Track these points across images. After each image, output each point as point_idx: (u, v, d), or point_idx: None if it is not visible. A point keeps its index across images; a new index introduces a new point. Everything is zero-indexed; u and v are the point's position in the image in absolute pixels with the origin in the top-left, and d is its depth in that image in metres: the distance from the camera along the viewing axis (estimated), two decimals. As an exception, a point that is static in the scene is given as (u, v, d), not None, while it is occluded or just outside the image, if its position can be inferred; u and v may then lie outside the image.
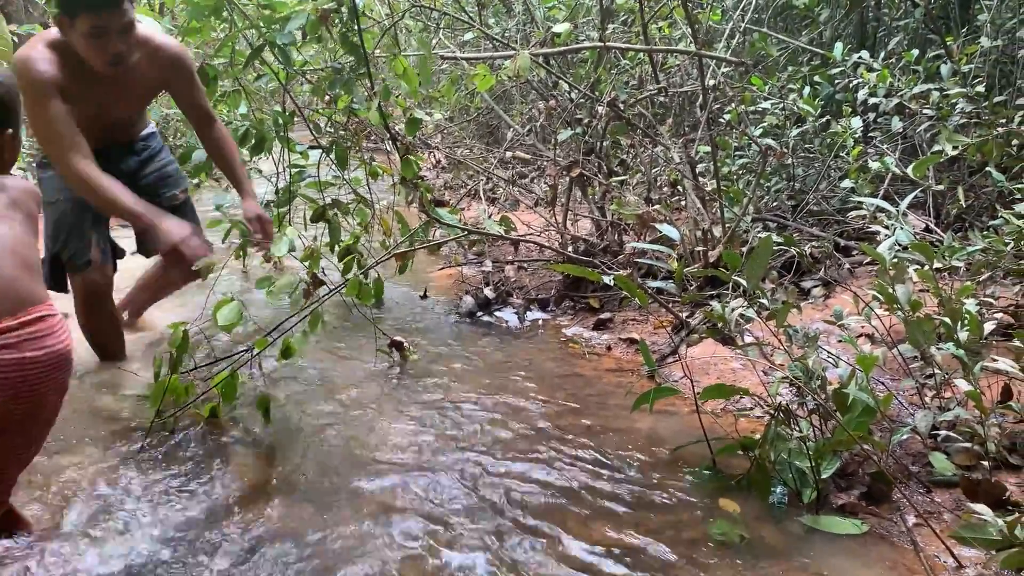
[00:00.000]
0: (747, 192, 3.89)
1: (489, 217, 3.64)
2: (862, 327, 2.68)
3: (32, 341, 1.61)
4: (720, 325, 2.50)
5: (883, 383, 2.64)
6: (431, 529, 2.05)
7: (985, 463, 2.20)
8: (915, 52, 3.92)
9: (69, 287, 3.03)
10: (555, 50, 3.92)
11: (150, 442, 2.51)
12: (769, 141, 4.01)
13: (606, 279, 2.54)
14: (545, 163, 4.90)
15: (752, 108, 4.37)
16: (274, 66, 3.50)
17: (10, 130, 1.87)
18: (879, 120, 4.09)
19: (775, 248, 3.76)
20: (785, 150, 3.99)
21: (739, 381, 2.93)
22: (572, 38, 4.28)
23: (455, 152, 6.49)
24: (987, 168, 3.42)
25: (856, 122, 3.94)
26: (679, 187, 4.12)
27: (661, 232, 2.77)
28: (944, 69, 3.71)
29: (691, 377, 2.72)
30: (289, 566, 1.89)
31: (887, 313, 2.57)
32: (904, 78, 3.87)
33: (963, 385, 2.23)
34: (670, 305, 3.55)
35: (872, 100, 3.87)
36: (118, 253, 3.22)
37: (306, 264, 2.85)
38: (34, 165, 3.12)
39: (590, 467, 2.41)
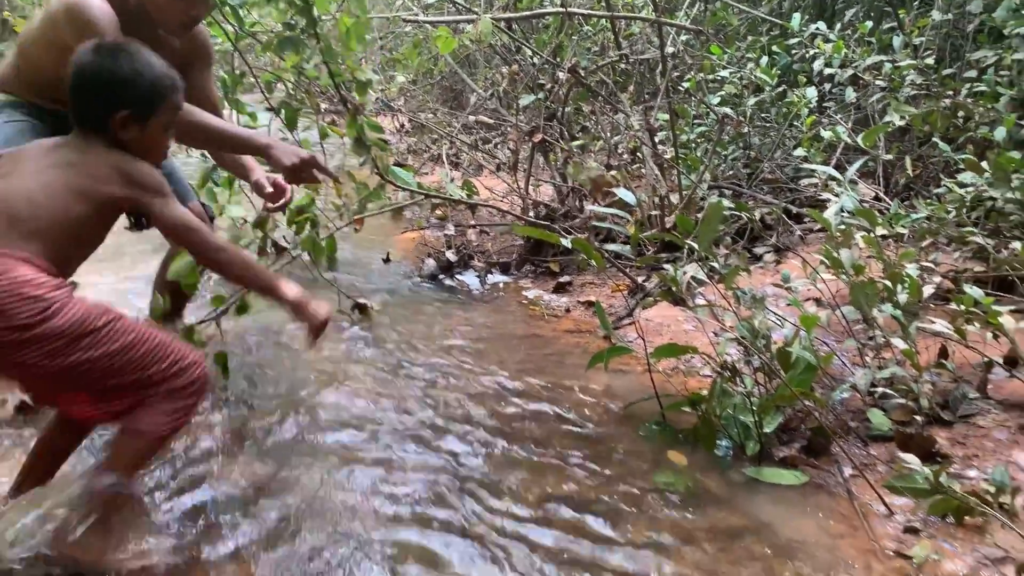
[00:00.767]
0: (704, 160, 3.97)
1: (451, 181, 3.67)
2: (807, 289, 2.78)
3: None
4: (673, 288, 2.58)
5: (827, 344, 2.75)
6: (389, 481, 2.11)
7: (918, 418, 2.33)
8: (870, 24, 4.01)
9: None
10: (517, 15, 3.94)
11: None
12: (726, 110, 4.09)
13: (565, 242, 2.60)
14: (508, 128, 4.94)
15: (711, 77, 4.44)
16: (225, 27, 3.48)
17: (128, 111, 1.75)
18: (834, 91, 4.19)
19: (730, 215, 3.85)
20: (742, 119, 4.07)
21: (691, 342, 3.02)
22: (535, 3, 4.30)
23: (418, 116, 6.49)
24: (934, 139, 3.54)
25: (811, 92, 4.03)
26: (639, 154, 4.19)
27: (619, 197, 2.84)
28: (896, 41, 3.81)
29: (644, 338, 2.80)
30: (250, 518, 1.94)
31: (833, 278, 2.67)
32: (859, 49, 3.97)
33: (901, 345, 2.34)
34: (627, 270, 3.64)
35: (828, 71, 3.96)
36: None
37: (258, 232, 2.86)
38: None
39: (546, 422, 2.49)
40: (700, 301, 2.67)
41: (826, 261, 2.57)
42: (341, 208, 3.75)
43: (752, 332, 2.38)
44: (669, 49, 4.16)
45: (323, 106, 4.55)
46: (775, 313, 2.80)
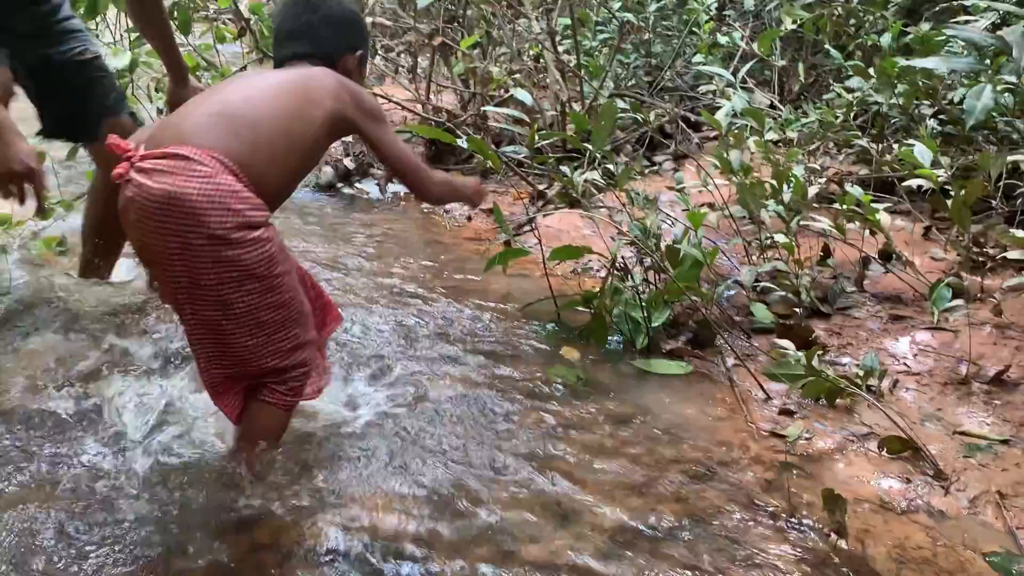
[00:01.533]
0: (607, 67, 3.96)
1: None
2: (700, 192, 2.84)
3: (160, 173, 1.47)
4: (570, 190, 2.60)
5: (716, 245, 2.83)
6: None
7: (799, 311, 2.43)
8: (768, -70, 4.02)
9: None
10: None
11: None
12: (629, 16, 4.07)
13: (460, 142, 2.58)
14: (408, 32, 4.80)
15: (614, -18, 4.39)
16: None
17: (360, 51, 1.86)
18: (734, -1, 4.22)
19: (630, 124, 3.88)
20: (643, 24, 4.06)
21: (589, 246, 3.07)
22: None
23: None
24: (826, 46, 3.61)
25: (711, -1, 4.04)
26: (541, 61, 4.15)
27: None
28: (793, -53, 3.83)
29: (541, 242, 2.83)
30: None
31: (727, 183, 2.73)
32: (757, -44, 3.98)
33: (782, 239, 2.43)
34: (529, 177, 3.64)
35: (727, -23, 3.97)
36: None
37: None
38: None
39: (444, 323, 2.50)
40: (598, 207, 2.71)
41: (718, 164, 2.63)
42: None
43: (644, 231, 2.42)
44: (571, -48, 4.09)
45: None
46: (668, 215, 2.86)
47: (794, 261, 2.50)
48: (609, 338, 2.40)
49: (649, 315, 2.32)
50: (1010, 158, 2.47)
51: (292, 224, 3.41)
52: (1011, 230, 2.38)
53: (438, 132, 2.76)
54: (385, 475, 1.72)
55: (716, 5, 4.10)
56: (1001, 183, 2.57)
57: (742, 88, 3.32)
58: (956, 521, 1.65)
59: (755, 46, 3.56)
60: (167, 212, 1.45)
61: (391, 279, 2.83)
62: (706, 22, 3.99)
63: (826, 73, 3.88)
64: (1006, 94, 2.65)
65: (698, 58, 3.92)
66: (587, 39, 4.24)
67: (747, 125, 2.93)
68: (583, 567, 1.46)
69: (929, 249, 2.70)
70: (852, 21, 3.58)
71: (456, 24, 4.04)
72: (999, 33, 2.51)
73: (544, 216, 3.50)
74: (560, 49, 4.14)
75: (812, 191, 2.70)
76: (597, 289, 2.46)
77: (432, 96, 4.25)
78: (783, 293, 2.47)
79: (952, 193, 2.41)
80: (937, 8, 3.40)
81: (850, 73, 3.41)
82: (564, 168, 2.72)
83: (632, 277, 2.40)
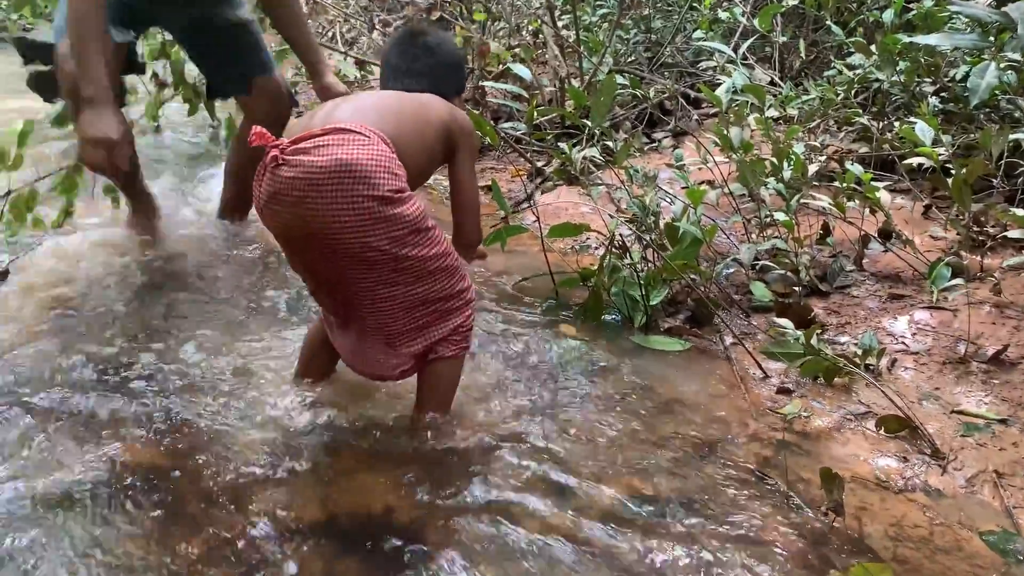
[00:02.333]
0: (606, 43, 3.92)
1: (345, 58, 3.52)
2: (699, 169, 2.82)
3: (324, 148, 1.57)
4: (568, 166, 2.58)
5: (716, 223, 2.81)
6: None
7: (797, 290, 2.43)
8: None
9: None
10: None
11: None
12: (629, -10, 4.03)
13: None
14: (406, 7, 4.75)
15: (614, -44, 4.35)
16: None
17: (463, 93, 2.02)
18: (735, -27, 4.16)
19: (630, 100, 3.85)
20: (643, 0, 4.02)
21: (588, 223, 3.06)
22: None
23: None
24: (827, 23, 3.57)
25: (712, -27, 4.00)
26: (540, 36, 4.11)
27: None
28: (796, -78, 3.78)
29: (539, 219, 2.81)
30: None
31: (727, 161, 2.71)
32: (760, -70, 3.93)
33: (782, 217, 2.42)
34: (528, 155, 3.61)
35: (728, -48, 3.92)
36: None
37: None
38: None
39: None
40: (597, 184, 2.69)
41: (718, 141, 2.61)
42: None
43: (643, 209, 2.41)
44: (571, -75, 4.03)
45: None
46: (668, 193, 2.84)
47: (793, 239, 2.49)
48: (607, 316, 2.39)
49: (647, 293, 2.31)
50: (1012, 136, 2.45)
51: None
52: (1012, 209, 2.37)
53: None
54: (377, 450, 1.72)
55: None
56: (1002, 162, 2.55)
57: (742, 64, 3.29)
58: (953, 500, 1.65)
59: (756, 22, 3.52)
60: (340, 179, 1.54)
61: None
62: (707, -2, 3.95)
63: (827, 50, 3.85)
64: (1009, 72, 2.62)
65: (698, 34, 3.88)
66: (586, 14, 4.20)
67: (747, 102, 2.91)
68: (580, 543, 1.46)
69: (929, 228, 2.68)
70: (854, -4, 3.55)
71: (454, -2, 4.00)
72: (1004, 9, 2.48)
73: (542, 193, 3.48)
74: (559, 24, 4.10)
75: (812, 169, 2.69)
76: (595, 267, 2.45)
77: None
78: (782, 271, 2.46)
79: (953, 172, 2.39)
80: (940, -16, 3.36)
81: (851, 50, 3.38)
82: (562, 145, 2.70)
83: (630, 255, 2.39)
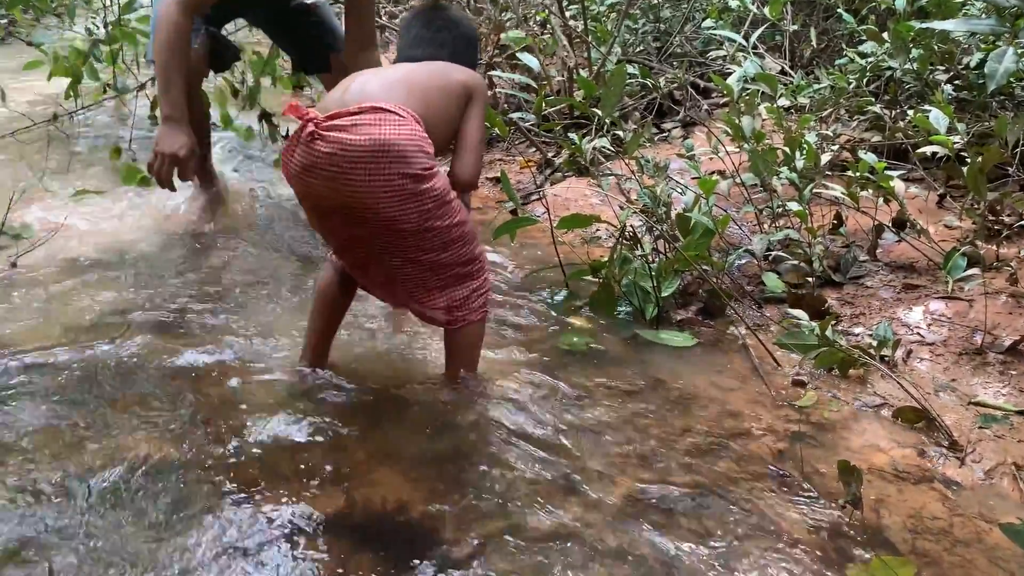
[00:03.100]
0: (614, 32, 3.89)
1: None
2: (710, 159, 2.79)
3: (362, 126, 1.64)
4: (578, 156, 2.56)
5: (728, 213, 2.79)
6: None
7: (811, 280, 2.40)
8: None
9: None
10: None
11: None
12: (637, -21, 3.99)
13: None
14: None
15: (622, -55, 4.30)
16: None
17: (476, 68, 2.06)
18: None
19: (639, 90, 3.82)
20: (652, -11, 3.98)
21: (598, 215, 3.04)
22: None
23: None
24: (839, 10, 3.54)
25: (721, -38, 3.96)
26: (548, 26, 4.08)
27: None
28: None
29: (549, 211, 2.80)
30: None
31: (737, 151, 2.69)
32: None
33: (795, 207, 2.39)
34: (538, 143, 3.59)
35: (738, -60, 3.88)
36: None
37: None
38: None
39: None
40: (607, 174, 2.67)
41: (729, 131, 2.58)
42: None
43: (654, 199, 2.39)
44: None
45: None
46: (679, 183, 2.81)
47: (806, 229, 2.47)
48: (618, 308, 2.37)
49: (659, 285, 2.29)
50: (1028, 124, 2.42)
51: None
52: (1028, 197, 2.34)
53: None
54: (389, 445, 1.70)
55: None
56: (1018, 150, 2.52)
57: (753, 53, 3.26)
58: (972, 492, 1.63)
59: (766, 10, 3.48)
60: (376, 159, 1.62)
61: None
62: (717, -14, 3.91)
63: (839, 38, 3.81)
64: (1025, 58, 2.58)
65: (708, 23, 3.84)
66: (595, 4, 4.16)
67: (758, 91, 2.88)
68: (592, 538, 1.44)
69: (943, 217, 2.65)
70: (866, -16, 3.51)
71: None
72: (1020, -5, 2.44)
73: (552, 184, 3.46)
74: (567, 14, 4.07)
75: (825, 158, 2.66)
76: (605, 259, 2.43)
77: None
78: (795, 262, 2.44)
79: (967, 160, 2.36)
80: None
81: (863, 37, 3.34)
82: (572, 135, 2.67)
83: (641, 246, 2.37)
